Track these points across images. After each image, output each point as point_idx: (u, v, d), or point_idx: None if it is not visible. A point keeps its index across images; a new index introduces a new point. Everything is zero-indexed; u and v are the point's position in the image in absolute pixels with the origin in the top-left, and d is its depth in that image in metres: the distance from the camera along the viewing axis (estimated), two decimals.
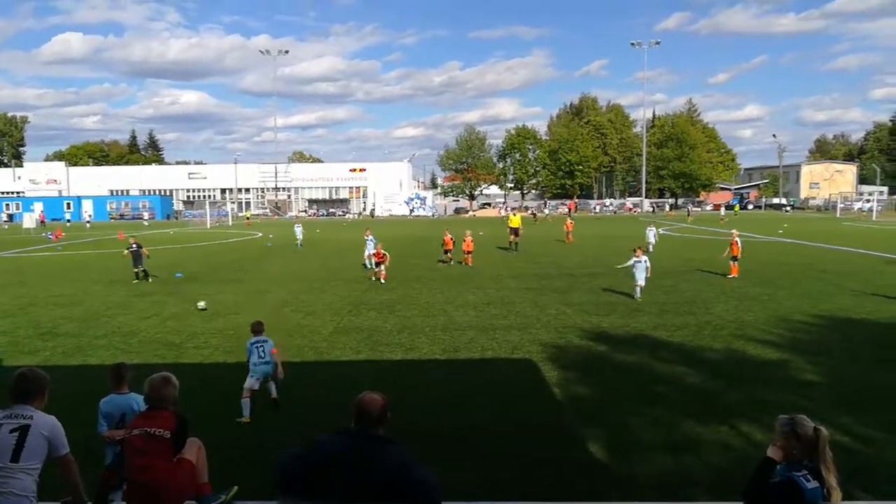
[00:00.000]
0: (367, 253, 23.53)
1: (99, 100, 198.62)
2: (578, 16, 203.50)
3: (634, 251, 16.63)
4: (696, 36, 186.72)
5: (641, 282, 15.98)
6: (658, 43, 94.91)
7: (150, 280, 20.20)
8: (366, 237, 23.99)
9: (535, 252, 28.87)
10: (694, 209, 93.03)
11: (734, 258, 19.75)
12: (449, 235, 24.98)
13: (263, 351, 8.47)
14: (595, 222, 62.37)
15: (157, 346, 11.69)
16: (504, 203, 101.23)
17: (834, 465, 3.48)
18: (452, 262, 23.99)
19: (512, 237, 29.31)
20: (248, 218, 76.24)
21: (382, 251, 20.11)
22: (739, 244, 19.99)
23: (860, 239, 34.37)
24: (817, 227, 45.06)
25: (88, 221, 68.61)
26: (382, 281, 19.29)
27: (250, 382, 8.15)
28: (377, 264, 20.12)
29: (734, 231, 20.90)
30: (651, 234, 29.06)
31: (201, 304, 14.25)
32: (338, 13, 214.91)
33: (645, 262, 16.09)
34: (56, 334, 12.79)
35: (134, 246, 20.45)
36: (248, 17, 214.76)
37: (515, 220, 29.71)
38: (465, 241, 24.19)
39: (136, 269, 20.33)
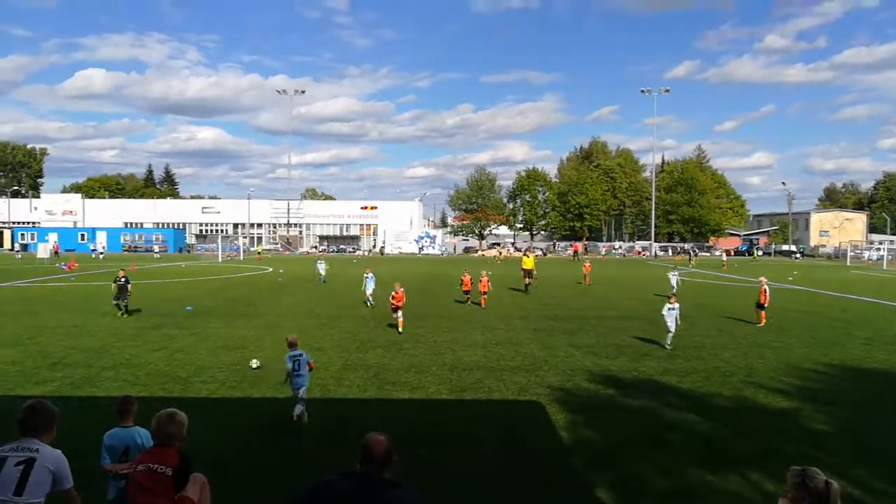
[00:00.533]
0: (368, 291, 23.09)
1: (118, 134, 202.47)
2: (589, 62, 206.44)
3: (669, 298, 16.38)
4: (705, 84, 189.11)
5: (673, 328, 15.79)
6: (668, 90, 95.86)
7: (129, 316, 19.70)
8: (365, 275, 23.55)
9: (543, 293, 28.81)
10: (702, 253, 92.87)
11: (760, 305, 19.16)
12: (468, 276, 24.59)
13: (299, 364, 8.97)
14: (604, 265, 62.28)
15: (164, 380, 11.71)
16: (501, 244, 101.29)
17: None
18: (469, 303, 23.50)
19: (527, 279, 28.95)
20: (259, 253, 76.65)
21: (401, 292, 17.64)
22: (768, 292, 19.43)
23: (870, 287, 34.12)
24: (827, 275, 44.76)
25: (101, 253, 68.98)
26: (400, 330, 17.06)
27: (297, 393, 9.04)
28: (395, 309, 17.52)
29: (762, 278, 20.34)
30: (673, 279, 28.61)
31: (254, 363, 12.95)
32: (353, 56, 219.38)
33: (677, 309, 16.01)
34: (65, 365, 12.83)
35: (122, 280, 20.28)
36: (267, 57, 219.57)
37: (529, 262, 29.21)
38: (481, 281, 23.65)
39: (117, 302, 20.09)
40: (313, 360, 10.13)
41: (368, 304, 22.81)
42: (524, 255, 31.22)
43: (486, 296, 23.44)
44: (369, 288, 23.05)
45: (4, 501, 3.88)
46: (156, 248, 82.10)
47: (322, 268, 35.73)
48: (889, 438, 8.71)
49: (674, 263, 32.85)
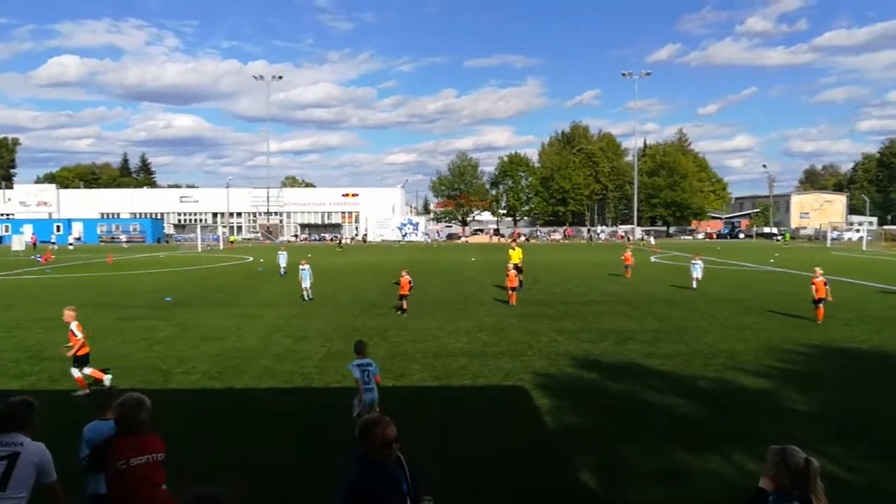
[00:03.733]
0: (304, 284, 21.36)
1: (93, 123, 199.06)
2: (572, 46, 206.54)
3: (694, 257, 24.19)
4: (687, 67, 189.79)
5: (697, 275, 23.04)
6: (649, 74, 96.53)
7: None
8: (301, 267, 21.76)
9: (526, 279, 28.86)
10: (685, 237, 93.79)
11: (817, 301, 16.57)
12: (407, 277, 18.93)
13: (368, 376, 7.86)
14: (587, 250, 62.63)
15: (144, 372, 11.56)
16: (491, 229, 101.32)
17: (826, 496, 3.45)
18: (403, 313, 18.12)
19: (518, 276, 25.29)
20: (231, 242, 75.12)
21: (409, 280, 18.68)
22: (827, 284, 16.86)
23: (850, 268, 34.64)
24: (808, 257, 45.36)
25: (72, 244, 67.67)
26: (404, 311, 18.14)
27: (362, 409, 7.66)
28: (402, 297, 18.41)
29: (818, 269, 17.55)
30: (697, 269, 24.48)
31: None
32: (334, 40, 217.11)
33: (701, 263, 23.00)
34: (42, 358, 12.63)
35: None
36: (246, 43, 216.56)
37: (517, 255, 24.67)
38: (508, 276, 20.74)
39: None
40: (377, 366, 8.46)
41: (306, 297, 21.20)
42: (510, 245, 26.74)
43: (514, 292, 20.42)
44: (306, 280, 21.40)
45: None
46: (122, 238, 78.81)
47: (283, 259, 31.77)
48: (867, 417, 8.84)
49: (696, 251, 30.71)
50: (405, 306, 18.29)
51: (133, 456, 4.23)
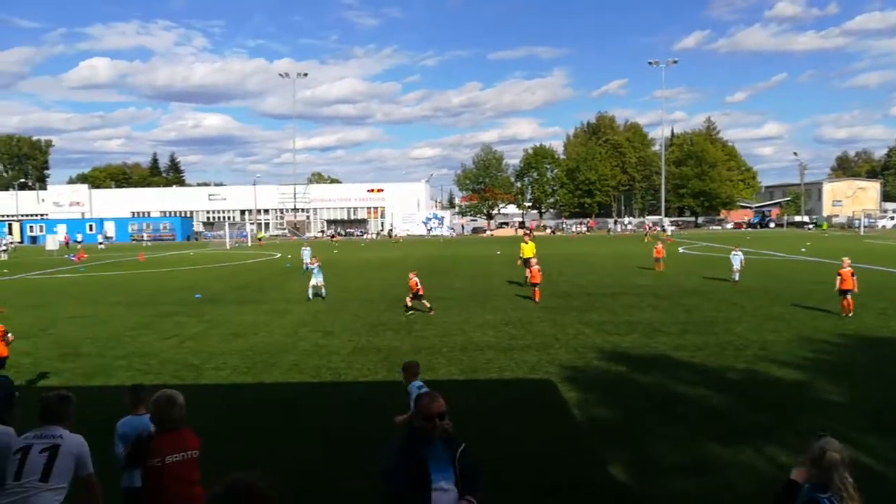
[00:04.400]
0: (312, 282, 20.65)
1: (123, 123, 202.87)
2: (598, 36, 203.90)
3: (734, 248, 23.43)
4: (714, 54, 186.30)
5: (738, 266, 22.57)
6: (676, 62, 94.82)
7: None
8: (311, 266, 21.16)
9: (552, 271, 28.70)
10: (713, 227, 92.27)
11: (843, 292, 15.74)
12: (415, 279, 17.91)
13: None
14: (609, 241, 62.03)
15: (176, 367, 11.76)
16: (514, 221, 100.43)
17: (858, 489, 3.40)
18: (411, 314, 17.24)
19: (527, 270, 22.91)
20: (259, 239, 75.74)
21: (417, 282, 17.71)
22: (854, 275, 15.93)
23: (884, 256, 33.79)
24: (840, 245, 44.35)
25: (101, 243, 68.73)
26: (429, 306, 17.47)
27: None
28: (417, 296, 17.62)
29: (845, 259, 16.67)
30: (736, 261, 23.17)
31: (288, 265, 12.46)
32: (358, 36, 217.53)
33: (741, 255, 22.75)
34: (77, 355, 12.92)
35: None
36: (273, 41, 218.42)
37: (530, 249, 23.80)
38: (531, 271, 19.93)
39: None
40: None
41: (310, 295, 20.44)
42: (523, 239, 25.44)
43: (537, 287, 19.47)
44: (317, 276, 20.71)
45: (30, 487, 3.96)
46: (99, 238, 75.04)
47: (307, 255, 30.94)
48: None
49: (736, 243, 28.48)
50: (412, 306, 17.53)
51: (169, 453, 4.27)
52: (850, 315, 15.28)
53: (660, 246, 29.21)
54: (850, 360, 11.40)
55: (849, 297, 15.62)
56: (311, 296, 20.43)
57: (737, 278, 22.68)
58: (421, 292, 17.66)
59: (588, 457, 7.29)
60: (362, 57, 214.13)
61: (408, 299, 17.62)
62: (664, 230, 71.58)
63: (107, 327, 16.07)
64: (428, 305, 17.49)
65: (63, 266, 38.96)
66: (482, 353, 12.43)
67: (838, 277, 15.97)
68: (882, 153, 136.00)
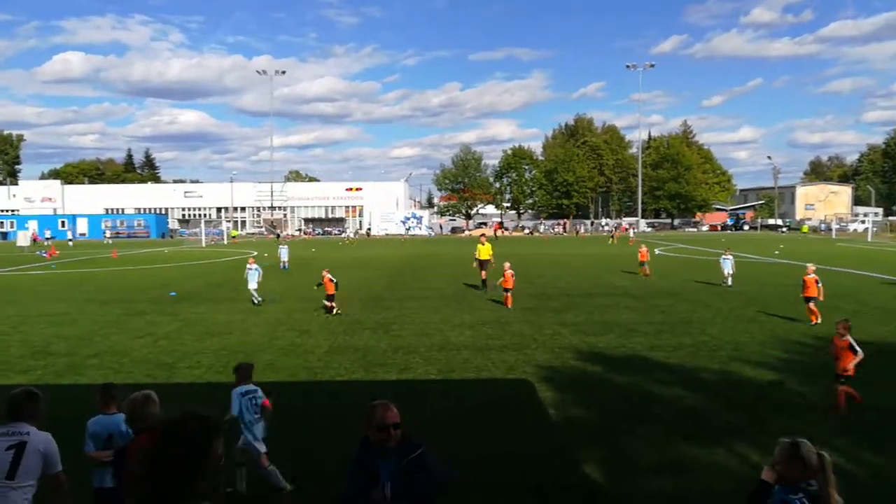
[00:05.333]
0: (251, 286, 19.20)
1: (97, 119, 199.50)
2: (578, 39, 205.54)
3: (725, 251, 23.06)
4: (692, 59, 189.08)
5: (730, 270, 22.15)
6: (652, 65, 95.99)
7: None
8: (248, 266, 19.60)
9: (530, 272, 28.84)
10: (689, 229, 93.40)
11: (808, 299, 15.33)
12: (329, 276, 17.39)
13: (256, 404, 6.47)
14: (577, 242, 62.46)
15: (149, 366, 11.59)
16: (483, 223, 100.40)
17: (838, 488, 3.41)
18: (334, 313, 16.98)
19: (483, 273, 22.35)
20: (233, 237, 74.68)
21: (331, 279, 17.19)
22: (819, 282, 15.32)
23: (855, 260, 34.49)
24: (813, 248, 45.17)
25: (70, 240, 67.14)
26: (338, 311, 16.98)
27: (259, 446, 6.45)
28: (330, 297, 17.09)
29: (809, 265, 16.22)
30: (728, 265, 22.42)
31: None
32: (339, 35, 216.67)
33: (731, 259, 22.28)
34: (48, 353, 12.67)
35: None
36: (252, 38, 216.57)
37: (486, 251, 22.73)
38: (504, 276, 18.45)
39: None
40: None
41: (254, 301, 19.02)
42: (479, 240, 23.92)
43: (510, 293, 18.36)
44: (252, 282, 19.23)
45: None
46: (69, 235, 72.36)
47: (284, 253, 32.42)
48: (872, 408, 8.79)
49: (726, 247, 27.41)
50: (334, 307, 17.00)
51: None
52: (818, 323, 14.84)
53: (644, 249, 27.84)
54: (821, 362, 11.55)
55: (812, 304, 15.17)
56: (258, 300, 19.07)
57: (730, 283, 22.04)
58: (332, 292, 17.08)
59: (564, 457, 7.33)
60: (342, 55, 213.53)
61: (332, 304, 17.11)
62: (629, 233, 70.02)
63: (78, 325, 15.78)
64: (333, 306, 17.04)
65: (34, 263, 38.17)
66: (459, 353, 12.43)
67: (803, 284, 15.70)
68: (854, 158, 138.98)
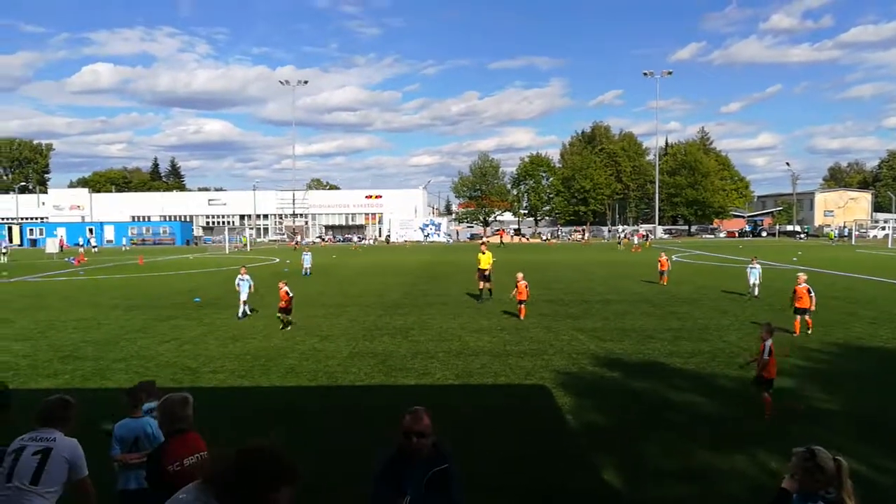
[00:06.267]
0: (242, 298, 18.15)
1: (125, 128, 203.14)
2: (595, 47, 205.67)
3: (752, 260, 21.74)
4: (710, 66, 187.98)
5: (756, 280, 20.61)
6: (670, 73, 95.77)
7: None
8: (239, 277, 18.49)
9: (546, 279, 28.84)
10: (706, 235, 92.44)
11: (798, 310, 14.53)
12: (285, 289, 16.23)
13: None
14: (600, 250, 62.07)
15: (174, 371, 11.83)
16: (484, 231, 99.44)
17: (855, 495, 3.41)
18: (290, 327, 16.09)
19: (482, 284, 21.43)
20: (244, 244, 73.79)
21: (287, 292, 16.05)
22: (811, 291, 14.54)
23: (875, 266, 33.98)
24: (832, 255, 44.55)
25: (95, 247, 68.15)
26: (288, 328, 15.87)
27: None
28: (284, 310, 16.04)
29: (800, 275, 15.41)
30: (755, 274, 20.92)
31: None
32: (360, 45, 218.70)
33: (758, 268, 20.69)
34: (76, 357, 12.97)
35: None
36: (276, 49, 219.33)
37: (486, 260, 21.58)
38: (517, 287, 17.47)
39: None
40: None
41: (246, 311, 18.18)
42: (480, 248, 22.63)
43: (523, 305, 17.44)
44: (244, 293, 18.21)
45: (21, 490, 3.92)
46: (92, 241, 72.74)
47: (307, 260, 32.87)
48: (893, 416, 8.74)
49: (753, 255, 26.12)
50: (289, 320, 16.07)
51: (185, 456, 4.17)
52: (810, 332, 14.31)
53: (664, 258, 26.64)
54: (840, 369, 11.53)
55: (807, 316, 14.51)
56: (244, 312, 18.10)
57: (756, 293, 20.72)
58: (286, 306, 16.02)
59: (581, 462, 7.37)
60: (363, 65, 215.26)
61: (288, 317, 16.15)
62: (633, 239, 68.26)
63: (105, 330, 16.13)
64: (289, 319, 16.10)
65: (62, 269, 38.94)
66: (477, 358, 12.52)
67: (793, 294, 14.80)
68: (874, 164, 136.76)
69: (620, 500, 6.43)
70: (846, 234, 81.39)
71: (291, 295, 16.23)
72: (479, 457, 7.45)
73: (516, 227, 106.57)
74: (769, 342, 8.82)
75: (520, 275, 17.70)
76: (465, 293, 23.49)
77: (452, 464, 3.69)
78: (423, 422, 3.67)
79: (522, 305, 17.44)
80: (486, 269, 21.31)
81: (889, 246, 58.83)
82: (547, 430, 8.45)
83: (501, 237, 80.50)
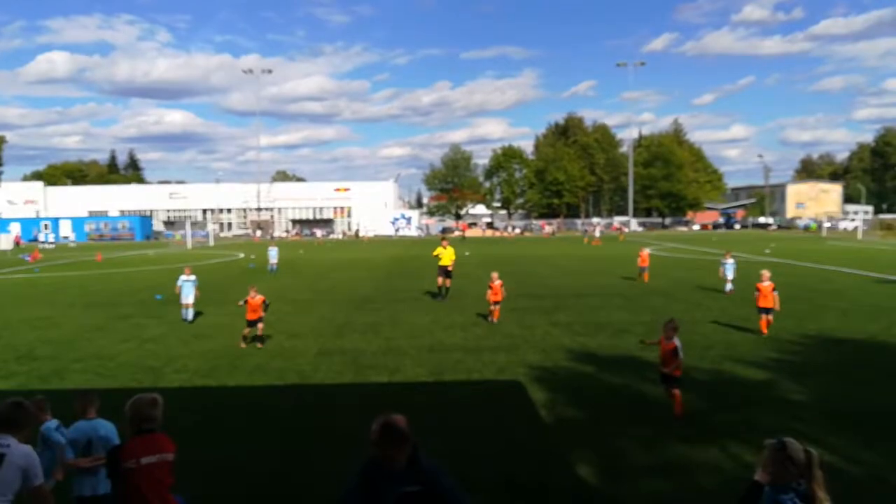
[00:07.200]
0: (184, 300, 16.45)
1: (82, 119, 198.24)
2: (569, 37, 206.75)
3: (725, 255, 20.94)
4: (683, 57, 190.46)
5: (731, 275, 20.25)
6: (643, 64, 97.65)
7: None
8: (184, 278, 16.92)
9: (522, 272, 28.81)
10: (681, 228, 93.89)
11: (762, 310, 13.83)
12: (259, 297, 13.45)
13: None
14: (574, 242, 62.51)
15: (134, 370, 11.40)
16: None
17: (826, 485, 3.41)
18: (260, 343, 13.29)
19: (441, 279, 20.31)
20: (177, 240, 71.27)
21: (261, 299, 13.38)
22: (775, 290, 13.83)
23: (846, 258, 34.74)
24: (804, 247, 45.48)
25: (51, 243, 65.78)
26: (259, 346, 13.09)
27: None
28: (252, 322, 13.24)
29: (764, 272, 14.58)
30: (730, 269, 20.48)
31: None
32: (328, 33, 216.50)
33: (733, 262, 20.32)
34: (32, 358, 12.46)
35: None
36: (240, 37, 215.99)
37: (448, 256, 20.32)
38: (491, 287, 15.94)
39: None
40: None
41: (187, 318, 16.42)
42: (440, 243, 21.13)
43: (498, 306, 16.08)
44: (188, 296, 16.54)
45: None
46: (49, 237, 70.51)
47: (274, 255, 31.02)
48: (864, 407, 8.79)
49: (726, 249, 25.56)
50: (260, 332, 13.24)
51: (143, 455, 4.18)
52: (764, 335, 13.51)
53: (645, 253, 25.20)
54: (812, 361, 11.61)
55: (770, 315, 13.76)
56: (188, 317, 16.54)
57: (730, 288, 20.20)
58: (255, 317, 13.28)
59: (556, 458, 7.25)
60: (331, 54, 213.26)
61: (259, 328, 13.33)
62: (594, 232, 67.37)
63: (62, 329, 15.55)
64: (255, 333, 13.26)
65: (17, 266, 37.69)
66: (450, 355, 12.33)
67: (756, 293, 14.05)
68: (844, 156, 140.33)
69: (596, 496, 6.34)
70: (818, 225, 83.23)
71: (268, 303, 13.71)
72: (453, 453, 7.25)
73: (489, 220, 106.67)
74: (677, 340, 8.60)
75: (494, 274, 16.30)
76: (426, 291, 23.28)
77: (434, 478, 3.35)
78: (391, 429, 3.31)
79: (497, 307, 15.96)
80: (447, 266, 20.26)
81: (859, 238, 60.29)
82: (521, 426, 8.32)
83: (464, 230, 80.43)
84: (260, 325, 13.22)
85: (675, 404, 8.43)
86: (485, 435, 7.96)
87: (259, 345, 13.10)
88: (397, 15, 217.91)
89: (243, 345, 13.19)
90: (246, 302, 13.31)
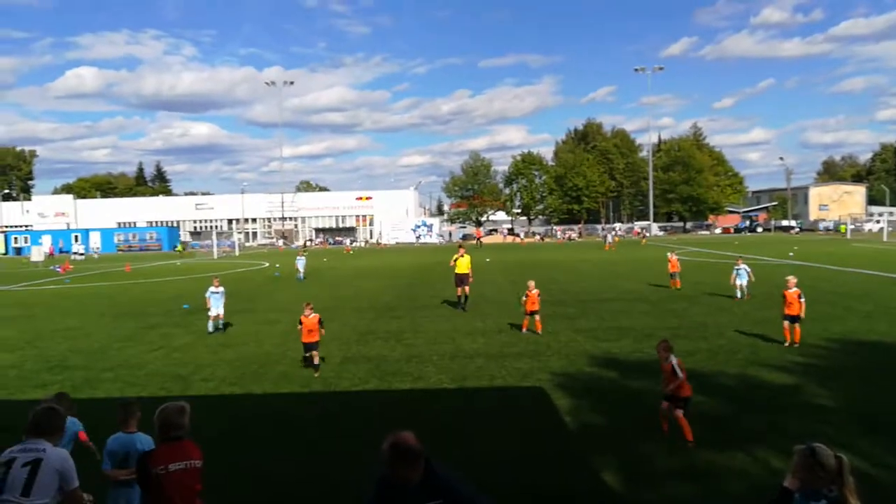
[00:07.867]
0: (212, 312, 16.31)
1: (110, 133, 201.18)
2: (587, 43, 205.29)
3: (737, 261, 20.48)
4: (702, 61, 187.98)
5: (743, 282, 19.61)
6: (662, 69, 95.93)
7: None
8: (212, 289, 16.67)
9: (543, 278, 28.70)
10: (702, 232, 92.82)
11: (789, 318, 13.03)
12: (315, 316, 12.16)
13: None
14: (596, 248, 62.11)
15: (164, 379, 11.62)
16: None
17: (857, 491, 3.37)
18: (317, 371, 11.79)
19: (460, 289, 19.74)
20: (178, 249, 71.36)
21: (316, 318, 12.02)
22: (802, 297, 13.13)
23: (871, 260, 34.09)
24: (828, 249, 44.73)
25: (81, 254, 66.71)
26: (316, 375, 11.54)
27: None
28: (309, 346, 11.84)
29: (790, 278, 13.86)
30: (743, 276, 19.79)
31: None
32: (349, 44, 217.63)
33: (745, 269, 19.77)
34: (64, 367, 12.74)
35: None
36: (263, 50, 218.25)
37: (464, 265, 19.85)
38: (528, 296, 15.15)
39: None
40: None
41: (210, 327, 16.29)
42: (457, 251, 20.68)
43: (537, 316, 15.20)
44: (217, 307, 16.38)
45: (12, 502, 3.89)
46: (79, 250, 70.03)
47: (301, 264, 31.46)
48: (890, 410, 8.66)
49: (738, 255, 24.85)
50: (315, 360, 11.78)
51: (171, 461, 4.27)
52: (796, 345, 12.79)
53: (674, 258, 24.27)
54: (838, 364, 11.46)
55: (796, 325, 13.02)
56: (215, 327, 16.37)
57: (739, 295, 19.55)
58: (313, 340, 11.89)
59: (580, 463, 7.26)
60: (352, 65, 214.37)
61: (314, 355, 11.85)
62: (607, 236, 65.09)
63: (93, 339, 15.87)
64: (316, 362, 11.80)
65: (48, 277, 38.50)
66: (473, 361, 12.37)
67: (783, 300, 13.38)
68: (867, 157, 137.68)
69: (621, 502, 6.34)
70: (838, 227, 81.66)
71: (323, 322, 12.28)
72: (476, 459, 7.32)
73: (509, 227, 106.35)
74: (673, 358, 7.86)
75: (531, 283, 15.52)
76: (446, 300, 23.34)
77: (451, 487, 3.33)
78: (402, 447, 3.25)
79: (537, 317, 15.14)
80: (465, 274, 19.74)
81: (885, 239, 59.11)
82: (545, 432, 8.33)
83: (479, 237, 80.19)
84: (315, 353, 11.70)
85: (683, 430, 7.62)
86: (508, 441, 7.99)
87: (316, 374, 11.56)
88: (416, 25, 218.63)
89: (316, 374, 11.59)
90: (301, 323, 11.98)
